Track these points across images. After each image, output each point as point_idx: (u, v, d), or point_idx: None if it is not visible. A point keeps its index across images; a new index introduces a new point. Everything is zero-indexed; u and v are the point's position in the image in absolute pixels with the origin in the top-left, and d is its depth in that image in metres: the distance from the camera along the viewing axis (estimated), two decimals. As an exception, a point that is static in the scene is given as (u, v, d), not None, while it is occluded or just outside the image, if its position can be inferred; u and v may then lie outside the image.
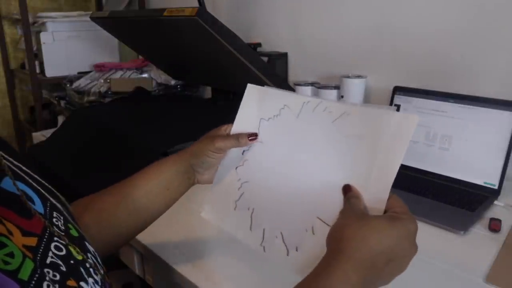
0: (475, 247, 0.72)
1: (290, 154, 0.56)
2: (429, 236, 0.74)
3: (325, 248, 0.45)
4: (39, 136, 1.46)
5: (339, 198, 0.49)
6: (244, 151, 0.61)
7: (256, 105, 0.61)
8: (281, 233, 0.54)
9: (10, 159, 0.40)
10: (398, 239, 0.41)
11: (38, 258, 0.33)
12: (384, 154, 0.47)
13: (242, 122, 0.62)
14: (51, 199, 0.42)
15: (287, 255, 0.52)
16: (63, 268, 0.34)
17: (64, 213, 0.43)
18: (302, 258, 0.51)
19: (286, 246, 0.53)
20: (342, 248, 0.41)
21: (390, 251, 0.41)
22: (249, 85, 0.63)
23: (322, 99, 0.55)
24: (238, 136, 0.59)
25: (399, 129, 0.46)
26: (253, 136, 0.59)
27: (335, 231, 0.44)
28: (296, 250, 0.52)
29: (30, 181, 0.41)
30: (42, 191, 0.42)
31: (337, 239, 0.43)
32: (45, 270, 0.32)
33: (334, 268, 0.40)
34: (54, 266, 0.33)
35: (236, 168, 0.62)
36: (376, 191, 0.47)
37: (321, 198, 0.51)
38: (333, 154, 0.52)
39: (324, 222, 0.50)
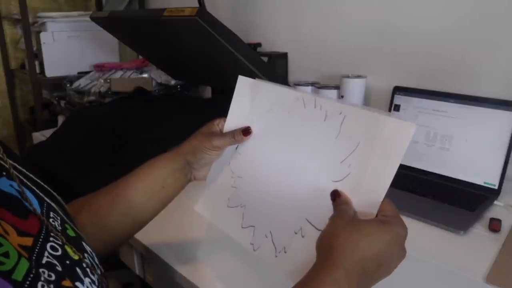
0: (475, 247, 0.72)
1: (282, 151, 0.56)
2: (429, 236, 0.74)
3: (314, 252, 0.44)
4: (39, 136, 1.47)
5: (328, 201, 0.48)
6: (238, 146, 0.61)
7: (249, 99, 0.60)
8: (270, 232, 0.54)
9: (6, 158, 0.40)
10: (388, 244, 0.41)
11: (34, 258, 0.32)
12: (378, 160, 0.45)
13: (235, 117, 0.61)
14: (47, 199, 0.42)
15: (275, 256, 0.52)
16: (59, 268, 0.34)
17: (61, 213, 0.43)
18: (289, 261, 0.50)
19: (274, 246, 0.53)
20: (333, 257, 0.41)
21: (380, 255, 0.41)
22: (240, 77, 0.62)
23: (316, 95, 0.54)
24: (233, 133, 0.59)
25: (395, 137, 0.45)
26: (247, 131, 0.59)
27: (325, 238, 0.44)
28: (285, 251, 0.51)
29: (26, 181, 0.41)
30: (38, 191, 0.41)
31: (327, 247, 0.42)
32: (40, 270, 0.32)
33: (324, 276, 0.40)
34: (49, 266, 0.33)
35: (230, 163, 0.61)
36: (368, 198, 0.46)
37: (311, 200, 0.51)
38: (323, 155, 0.51)
39: (313, 225, 0.50)
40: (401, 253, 0.43)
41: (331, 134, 0.50)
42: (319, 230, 0.48)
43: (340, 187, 0.48)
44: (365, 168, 0.46)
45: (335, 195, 0.48)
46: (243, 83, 0.61)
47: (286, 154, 0.55)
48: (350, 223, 0.43)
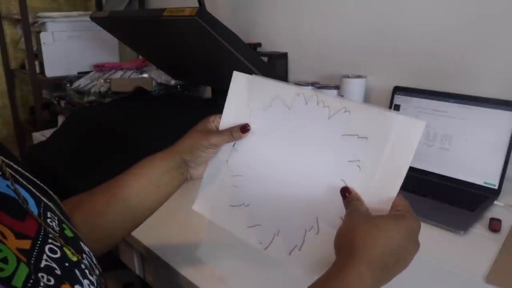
0: (475, 247, 0.72)
1: (284, 148, 0.55)
2: (429, 236, 0.74)
3: (328, 248, 0.44)
4: (39, 136, 1.47)
5: (338, 198, 0.48)
6: (235, 143, 0.60)
7: (245, 95, 0.59)
8: (279, 230, 0.54)
9: (1, 157, 0.39)
10: (405, 238, 0.42)
11: (32, 262, 0.32)
12: (389, 158, 0.45)
13: (231, 113, 0.59)
14: (44, 199, 0.41)
15: (289, 254, 0.52)
16: (58, 272, 0.34)
17: (58, 213, 0.42)
18: (305, 258, 0.51)
19: (286, 245, 0.52)
20: (355, 252, 0.41)
21: (399, 250, 0.42)
22: (235, 73, 0.60)
23: (317, 91, 0.53)
24: (231, 130, 0.58)
25: (405, 134, 0.45)
26: (245, 128, 0.58)
27: (344, 234, 0.44)
28: (299, 249, 0.51)
29: (22, 180, 0.40)
30: (34, 190, 0.41)
31: (347, 242, 0.43)
32: (40, 274, 0.32)
33: (348, 270, 0.40)
34: (48, 270, 0.33)
35: (227, 160, 0.60)
36: (380, 196, 0.46)
37: (320, 198, 0.51)
38: (330, 152, 0.50)
39: (326, 223, 0.50)
40: (416, 247, 0.44)
41: (337, 132, 0.50)
42: (332, 227, 0.47)
43: (349, 184, 0.48)
44: (375, 166, 0.46)
45: (345, 192, 0.48)
46: (238, 78, 0.60)
47: (289, 152, 0.54)
48: (367, 218, 0.44)
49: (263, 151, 0.57)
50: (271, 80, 0.57)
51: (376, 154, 0.46)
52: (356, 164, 0.48)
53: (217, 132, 0.59)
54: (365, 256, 0.41)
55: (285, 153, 0.55)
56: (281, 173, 0.55)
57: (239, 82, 0.59)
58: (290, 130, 0.55)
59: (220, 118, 0.60)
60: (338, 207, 0.48)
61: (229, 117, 0.60)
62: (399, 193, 0.46)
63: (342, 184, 0.49)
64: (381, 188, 0.46)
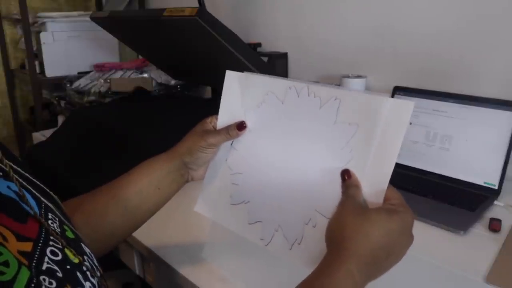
0: (475, 247, 0.72)
1: (280, 143, 0.55)
2: (429, 236, 0.74)
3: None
4: (39, 136, 1.47)
5: (334, 188, 0.48)
6: (233, 141, 0.60)
7: (239, 93, 0.59)
8: (279, 225, 0.54)
9: (6, 161, 0.38)
10: (397, 233, 0.42)
11: (34, 264, 0.32)
12: (379, 142, 0.45)
13: (227, 113, 0.60)
14: (44, 200, 0.41)
15: (290, 249, 0.52)
16: (59, 274, 0.33)
17: (59, 213, 0.42)
18: (305, 252, 0.51)
19: (286, 239, 0.53)
20: (344, 246, 0.41)
21: (390, 245, 0.41)
22: (228, 72, 0.60)
23: (308, 83, 0.53)
24: (227, 129, 0.58)
25: (394, 116, 0.44)
26: (241, 126, 0.58)
27: (335, 228, 0.44)
28: (299, 243, 0.51)
29: (21, 181, 0.39)
30: (35, 191, 0.40)
31: (338, 236, 0.42)
32: (41, 277, 0.31)
33: (338, 266, 0.40)
34: (50, 273, 0.33)
35: (226, 160, 0.61)
36: (373, 182, 0.46)
37: (316, 190, 0.51)
38: (324, 142, 0.50)
39: (323, 215, 0.50)
40: (409, 240, 0.43)
41: (329, 120, 0.50)
42: (328, 219, 0.47)
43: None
44: (367, 152, 0.46)
45: (345, 174, 0.47)
46: (231, 77, 0.60)
47: (285, 145, 0.55)
48: (359, 211, 0.43)
49: (261, 147, 0.57)
50: (262, 76, 0.58)
51: (367, 140, 0.46)
52: (348, 151, 0.48)
53: (214, 132, 0.59)
54: (353, 251, 0.40)
55: (282, 148, 0.55)
56: (278, 168, 0.55)
57: (232, 81, 0.60)
58: (285, 124, 0.55)
59: (217, 119, 0.61)
60: (334, 197, 0.47)
61: (225, 117, 0.60)
62: (393, 187, 0.45)
63: (336, 173, 0.48)
64: (372, 177, 0.46)
